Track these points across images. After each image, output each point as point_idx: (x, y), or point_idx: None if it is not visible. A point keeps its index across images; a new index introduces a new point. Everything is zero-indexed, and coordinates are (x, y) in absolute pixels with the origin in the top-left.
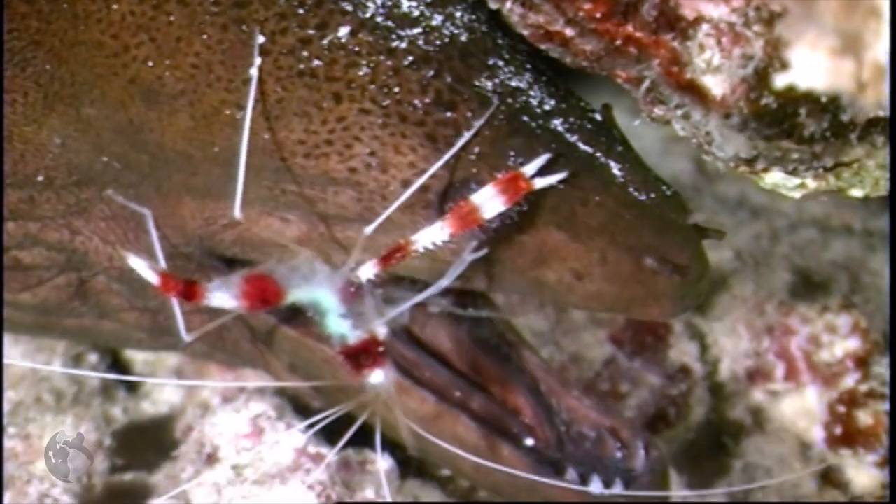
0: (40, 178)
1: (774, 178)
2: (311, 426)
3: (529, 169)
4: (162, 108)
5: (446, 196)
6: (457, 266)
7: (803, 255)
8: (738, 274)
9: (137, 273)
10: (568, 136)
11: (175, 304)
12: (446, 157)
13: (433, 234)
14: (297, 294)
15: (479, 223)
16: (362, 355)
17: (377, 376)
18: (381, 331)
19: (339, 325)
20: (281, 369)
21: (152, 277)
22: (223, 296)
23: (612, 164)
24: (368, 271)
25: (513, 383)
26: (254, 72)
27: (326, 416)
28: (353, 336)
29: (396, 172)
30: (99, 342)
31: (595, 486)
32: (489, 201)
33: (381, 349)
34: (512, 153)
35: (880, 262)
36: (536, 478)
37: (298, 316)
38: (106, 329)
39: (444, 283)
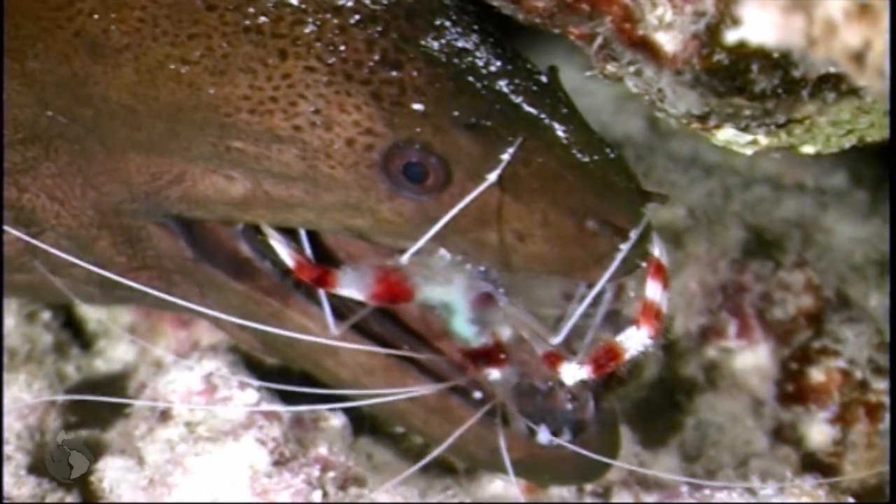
0: None
1: (726, 134)
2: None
3: (657, 251)
4: (107, 62)
5: (390, 155)
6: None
7: (756, 213)
8: (691, 231)
9: (83, 230)
10: (513, 97)
11: (323, 297)
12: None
13: (641, 339)
14: (428, 294)
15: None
16: (483, 358)
17: (495, 374)
18: (506, 333)
19: (465, 329)
20: (230, 325)
21: (290, 262)
22: (354, 290)
23: (557, 125)
24: (578, 374)
25: None
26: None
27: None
28: (478, 342)
29: (341, 131)
30: (50, 299)
31: (543, 436)
32: (659, 296)
33: (503, 356)
34: (456, 113)
35: (832, 219)
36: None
37: (245, 268)
38: (56, 286)
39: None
